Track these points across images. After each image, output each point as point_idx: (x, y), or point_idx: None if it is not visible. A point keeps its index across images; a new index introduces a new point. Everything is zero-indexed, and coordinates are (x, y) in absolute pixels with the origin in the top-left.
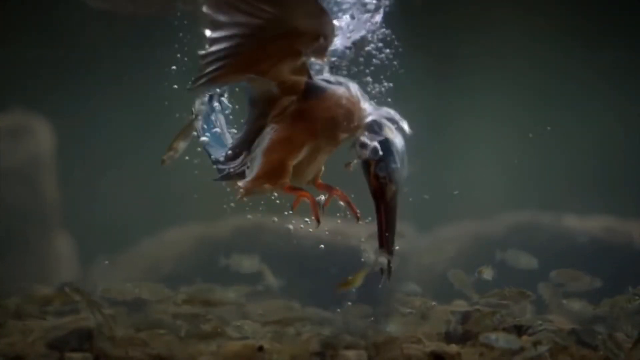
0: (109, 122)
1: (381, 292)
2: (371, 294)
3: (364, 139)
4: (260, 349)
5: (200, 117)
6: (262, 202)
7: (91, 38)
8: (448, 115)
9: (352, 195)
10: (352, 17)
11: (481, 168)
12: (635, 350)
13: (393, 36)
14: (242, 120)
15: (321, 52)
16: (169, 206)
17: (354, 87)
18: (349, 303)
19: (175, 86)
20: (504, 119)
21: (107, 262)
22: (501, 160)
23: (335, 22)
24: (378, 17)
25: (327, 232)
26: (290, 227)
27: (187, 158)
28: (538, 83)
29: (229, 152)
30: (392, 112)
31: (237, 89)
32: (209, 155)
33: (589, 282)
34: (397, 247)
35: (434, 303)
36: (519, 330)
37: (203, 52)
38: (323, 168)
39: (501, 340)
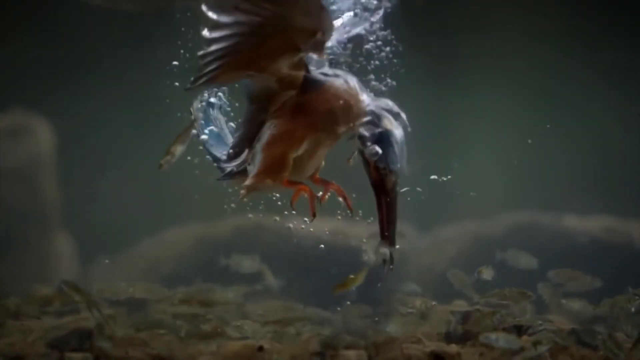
0: (109, 122)
1: (381, 292)
2: (371, 294)
3: (363, 130)
4: (260, 349)
5: (199, 121)
6: (262, 202)
7: (91, 38)
8: (448, 115)
9: (354, 195)
10: (355, 14)
11: (481, 168)
12: (635, 350)
13: (393, 36)
14: (239, 120)
15: (319, 47)
16: (169, 206)
17: (352, 79)
18: (348, 303)
19: (177, 84)
20: (504, 119)
21: (107, 260)
22: (501, 161)
23: (337, 21)
24: (378, 17)
25: (327, 232)
26: (291, 225)
27: (189, 158)
28: (538, 83)
29: (230, 151)
30: (391, 103)
31: (236, 85)
32: (211, 154)
33: (588, 282)
34: (397, 246)
35: (434, 303)
36: (519, 330)
37: (202, 52)
38: (323, 163)
39: (501, 340)
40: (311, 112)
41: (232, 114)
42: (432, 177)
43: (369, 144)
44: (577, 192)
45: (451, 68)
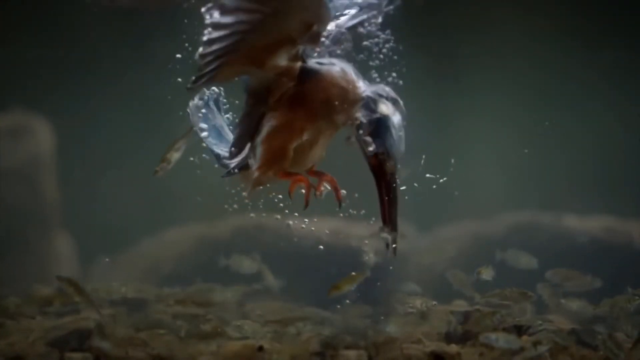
0: (109, 122)
1: (381, 292)
2: (371, 294)
3: (360, 116)
4: (260, 349)
5: (199, 121)
6: (263, 201)
7: (91, 38)
8: (448, 115)
9: (356, 195)
10: (360, 8)
11: (481, 168)
12: (635, 350)
13: (393, 36)
14: (236, 119)
15: (315, 38)
16: (169, 206)
17: (348, 67)
18: (348, 301)
19: (179, 79)
20: (504, 119)
21: (107, 259)
22: (501, 161)
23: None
24: (374, 13)
25: (327, 232)
26: (290, 222)
27: (191, 159)
28: (538, 83)
29: (232, 148)
30: (388, 89)
31: (236, 79)
32: (213, 152)
33: (586, 282)
34: (399, 246)
35: (434, 303)
36: (519, 330)
37: (202, 51)
38: (324, 154)
39: (501, 340)
40: (309, 101)
41: (230, 112)
42: (428, 175)
43: (365, 131)
44: (577, 192)
45: (451, 68)
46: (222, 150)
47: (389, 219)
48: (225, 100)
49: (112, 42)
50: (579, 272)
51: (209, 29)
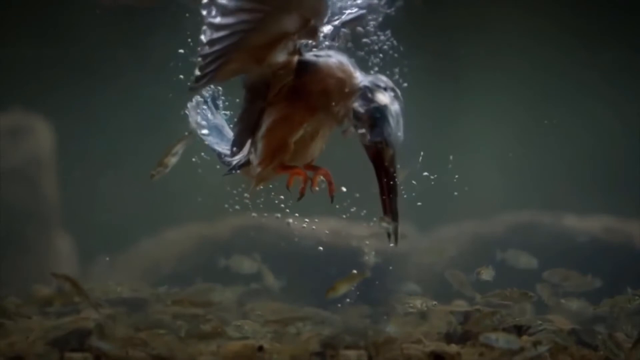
0: (109, 121)
1: (381, 292)
2: (371, 294)
3: (357, 106)
4: (260, 349)
5: (196, 127)
6: (263, 200)
7: (91, 37)
8: (448, 115)
9: (357, 195)
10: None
11: (481, 168)
12: (635, 350)
13: (392, 36)
14: (234, 119)
15: (313, 33)
16: (169, 206)
17: (344, 58)
18: (348, 300)
19: (181, 76)
20: (504, 118)
21: (107, 258)
22: (501, 160)
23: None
24: (380, 17)
25: (327, 232)
26: (291, 220)
27: (194, 160)
28: (538, 83)
29: (233, 147)
30: (385, 79)
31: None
32: (214, 150)
33: (584, 282)
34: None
35: (434, 303)
36: (519, 330)
37: (204, 52)
38: (324, 147)
39: (501, 340)
40: (308, 93)
41: (229, 110)
42: (425, 173)
43: (363, 120)
44: (577, 192)
45: (451, 68)
46: (224, 148)
47: (390, 209)
48: (224, 99)
49: (112, 42)
50: (577, 272)
51: (211, 30)
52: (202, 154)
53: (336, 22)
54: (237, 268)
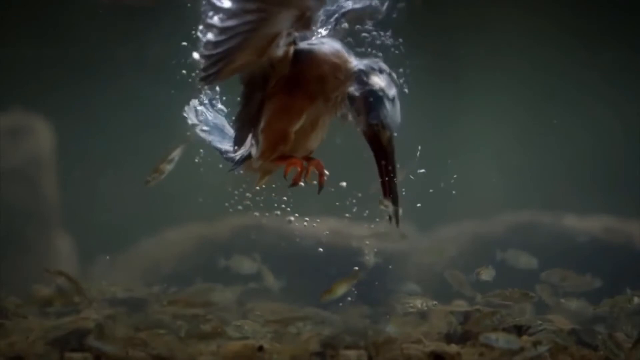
0: (108, 121)
1: (381, 292)
2: (371, 294)
3: (353, 90)
4: (260, 349)
5: (196, 128)
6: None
7: (91, 37)
8: (448, 115)
9: (359, 194)
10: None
11: (481, 168)
12: (635, 350)
13: (393, 36)
14: (233, 118)
15: (308, 24)
16: (169, 206)
17: (338, 44)
18: (349, 299)
19: (184, 71)
20: (504, 119)
21: (108, 257)
22: (501, 161)
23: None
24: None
25: (327, 233)
26: (292, 219)
27: (196, 160)
28: (538, 83)
29: (235, 146)
30: (379, 62)
31: None
32: (217, 149)
33: (583, 281)
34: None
35: (434, 302)
36: (519, 330)
37: (208, 53)
38: (324, 136)
39: (501, 340)
40: (305, 81)
41: (229, 108)
42: (421, 170)
43: (359, 103)
44: (577, 192)
45: (451, 68)
46: (227, 146)
47: (390, 191)
48: (221, 97)
49: (112, 42)
50: (574, 272)
51: (214, 33)
52: (201, 150)
53: (334, 17)
54: (237, 268)
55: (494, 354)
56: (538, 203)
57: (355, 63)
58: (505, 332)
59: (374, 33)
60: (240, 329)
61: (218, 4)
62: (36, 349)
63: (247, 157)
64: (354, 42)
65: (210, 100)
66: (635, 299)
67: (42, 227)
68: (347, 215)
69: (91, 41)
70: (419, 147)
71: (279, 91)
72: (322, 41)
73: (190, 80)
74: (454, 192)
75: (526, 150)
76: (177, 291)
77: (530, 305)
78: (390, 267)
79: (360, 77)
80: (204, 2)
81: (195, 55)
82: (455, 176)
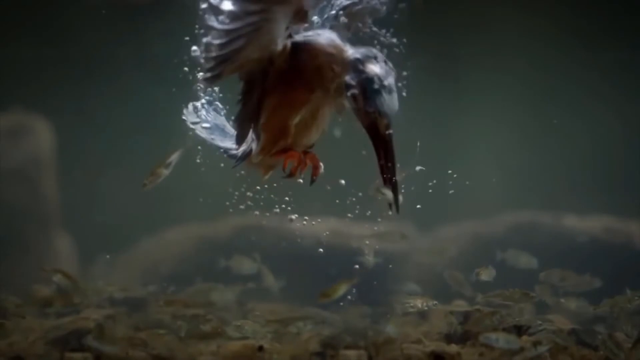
0: (108, 121)
1: (381, 292)
2: (371, 294)
3: (349, 78)
4: (260, 349)
5: (195, 128)
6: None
7: (91, 37)
8: (448, 115)
9: (360, 194)
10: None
11: (481, 168)
12: (635, 350)
13: (392, 36)
14: (232, 117)
15: (304, 17)
16: (169, 206)
17: (333, 34)
18: (349, 297)
19: (186, 68)
20: (504, 119)
21: (108, 256)
22: (501, 160)
23: None
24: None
25: (327, 233)
26: (293, 217)
27: (198, 161)
28: (538, 83)
29: (237, 142)
30: (374, 50)
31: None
32: (220, 147)
33: (582, 281)
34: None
35: (434, 302)
36: (519, 330)
37: (212, 54)
38: (326, 128)
39: (501, 340)
40: (302, 73)
41: (228, 107)
42: (419, 168)
43: (356, 91)
44: (577, 192)
45: (451, 68)
46: (228, 144)
47: (389, 179)
48: (221, 95)
49: (112, 42)
50: (574, 272)
51: (216, 36)
52: (199, 147)
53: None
54: (237, 268)
55: (494, 354)
56: (538, 203)
57: (352, 52)
58: (505, 332)
59: (374, 29)
60: (240, 329)
61: (220, 7)
62: (36, 349)
63: (249, 153)
64: (355, 40)
65: (210, 101)
66: (636, 299)
67: (42, 227)
68: (348, 215)
69: (91, 41)
70: (418, 143)
71: (278, 84)
72: (318, 32)
73: (191, 78)
74: (454, 192)
75: (526, 150)
76: (177, 291)
77: (531, 305)
78: (390, 267)
79: (357, 65)
80: (204, 4)
81: (195, 50)
82: (455, 176)
